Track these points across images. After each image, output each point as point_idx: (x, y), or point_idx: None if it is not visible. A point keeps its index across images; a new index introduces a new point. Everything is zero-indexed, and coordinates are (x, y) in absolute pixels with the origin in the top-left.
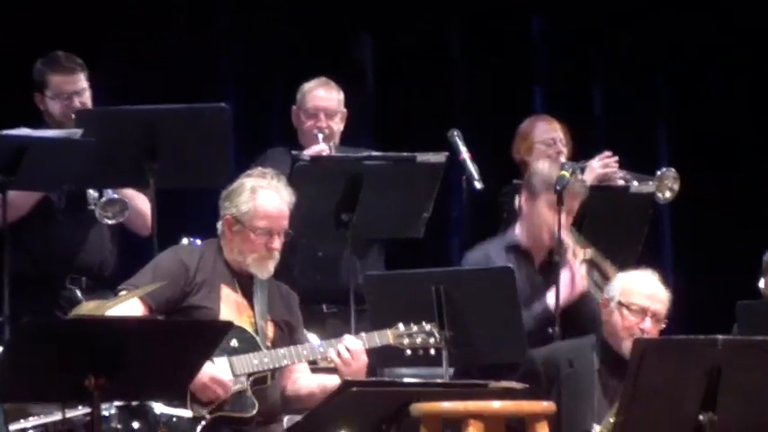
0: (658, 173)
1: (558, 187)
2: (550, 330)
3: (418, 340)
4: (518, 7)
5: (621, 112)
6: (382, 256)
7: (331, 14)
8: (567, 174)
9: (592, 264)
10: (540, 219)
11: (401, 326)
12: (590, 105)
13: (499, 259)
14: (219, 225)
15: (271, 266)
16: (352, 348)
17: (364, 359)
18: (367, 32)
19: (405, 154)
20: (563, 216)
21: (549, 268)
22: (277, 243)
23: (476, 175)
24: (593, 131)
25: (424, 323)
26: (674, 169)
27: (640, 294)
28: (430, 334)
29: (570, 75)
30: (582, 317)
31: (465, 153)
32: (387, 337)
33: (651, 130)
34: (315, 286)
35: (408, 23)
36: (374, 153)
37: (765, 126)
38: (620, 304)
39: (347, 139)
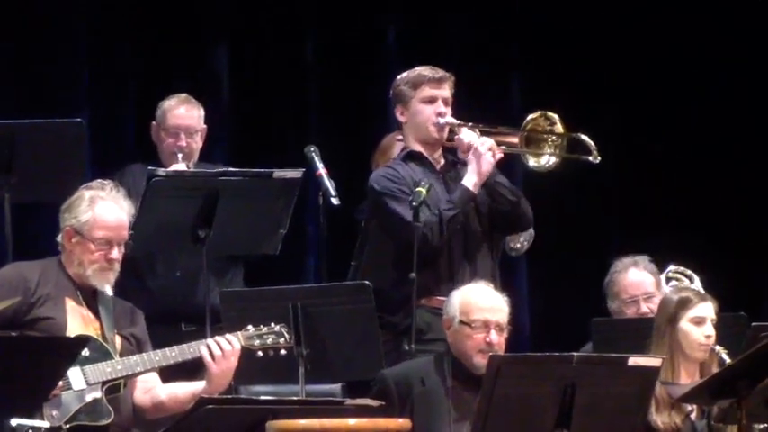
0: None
1: (414, 203)
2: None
3: (269, 340)
4: (375, 19)
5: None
6: (241, 274)
7: (186, 25)
8: (423, 190)
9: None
10: (420, 115)
11: (251, 327)
12: None
13: (402, 170)
14: (60, 238)
15: (111, 278)
16: (225, 348)
17: (234, 362)
18: (222, 44)
19: (261, 170)
20: (440, 105)
21: (452, 165)
22: (116, 253)
23: (332, 191)
24: None
25: (273, 323)
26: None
27: (479, 309)
28: (280, 334)
29: None
30: (501, 188)
31: (322, 169)
32: (238, 339)
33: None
34: (173, 306)
35: (264, 36)
36: (231, 169)
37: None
38: (462, 323)
39: (203, 152)
